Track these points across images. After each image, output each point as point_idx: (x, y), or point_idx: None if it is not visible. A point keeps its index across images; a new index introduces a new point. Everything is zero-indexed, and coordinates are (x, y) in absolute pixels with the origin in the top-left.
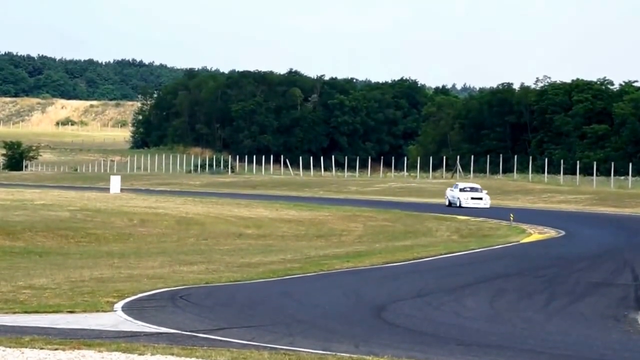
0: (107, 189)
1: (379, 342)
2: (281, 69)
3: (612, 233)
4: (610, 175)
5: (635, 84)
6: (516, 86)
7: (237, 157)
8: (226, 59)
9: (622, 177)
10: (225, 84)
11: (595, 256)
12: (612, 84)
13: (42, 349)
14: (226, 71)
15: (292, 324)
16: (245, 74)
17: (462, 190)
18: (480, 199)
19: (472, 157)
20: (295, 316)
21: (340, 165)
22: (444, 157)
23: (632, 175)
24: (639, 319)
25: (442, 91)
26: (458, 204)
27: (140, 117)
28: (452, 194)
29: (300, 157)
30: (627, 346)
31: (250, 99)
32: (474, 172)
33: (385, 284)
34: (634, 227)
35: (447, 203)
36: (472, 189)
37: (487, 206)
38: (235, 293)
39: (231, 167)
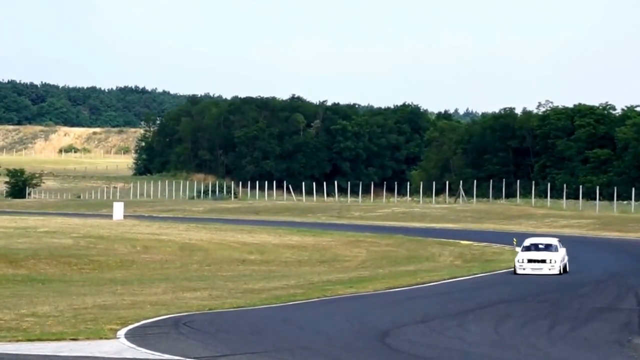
0: (110, 216)
1: None
2: (283, 95)
3: (615, 258)
4: (613, 199)
5: (637, 109)
6: (518, 111)
7: (240, 183)
8: (229, 85)
9: (625, 202)
10: (228, 110)
11: (599, 281)
12: (615, 109)
13: None
14: (229, 97)
15: (295, 351)
16: (248, 100)
17: (524, 248)
18: (544, 261)
19: (475, 181)
20: (298, 342)
21: (343, 191)
22: (447, 182)
23: (635, 200)
24: None
25: (445, 116)
26: (513, 269)
27: (143, 144)
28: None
29: (303, 183)
30: None
31: (253, 125)
32: (476, 196)
33: (389, 310)
34: (637, 252)
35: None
36: (538, 247)
37: (556, 272)
38: (238, 319)
39: (234, 193)
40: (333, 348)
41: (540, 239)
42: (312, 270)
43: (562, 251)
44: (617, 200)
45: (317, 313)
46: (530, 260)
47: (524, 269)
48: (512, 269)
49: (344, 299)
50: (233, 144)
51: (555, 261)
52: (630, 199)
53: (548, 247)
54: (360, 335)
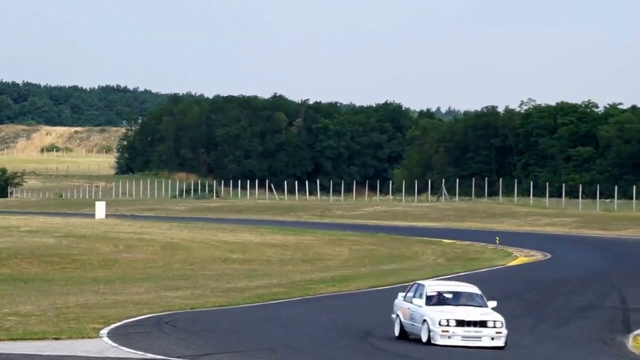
0: (93, 215)
1: None
2: (265, 94)
3: (598, 256)
4: (595, 197)
5: (619, 107)
6: (501, 109)
7: (222, 181)
8: (210, 84)
9: (608, 200)
10: (210, 109)
11: (582, 279)
12: (597, 107)
13: None
14: (210, 96)
15: (277, 349)
16: (230, 99)
17: (431, 300)
18: (484, 324)
19: (457, 180)
20: (281, 341)
21: (325, 189)
22: (429, 181)
23: (618, 198)
24: (626, 342)
25: (427, 114)
26: (426, 337)
27: (125, 143)
28: (405, 306)
29: (285, 182)
30: None
31: (235, 124)
32: (459, 195)
33: (372, 308)
34: (620, 250)
35: (395, 330)
36: (459, 298)
37: (502, 343)
38: (221, 318)
39: (216, 192)
40: (316, 346)
41: (453, 285)
42: (294, 269)
43: (493, 305)
44: (599, 198)
45: (300, 312)
46: (460, 323)
47: (448, 336)
48: (400, 332)
49: (327, 297)
50: (215, 142)
51: (502, 324)
52: (613, 197)
53: (471, 298)
54: (343, 333)
